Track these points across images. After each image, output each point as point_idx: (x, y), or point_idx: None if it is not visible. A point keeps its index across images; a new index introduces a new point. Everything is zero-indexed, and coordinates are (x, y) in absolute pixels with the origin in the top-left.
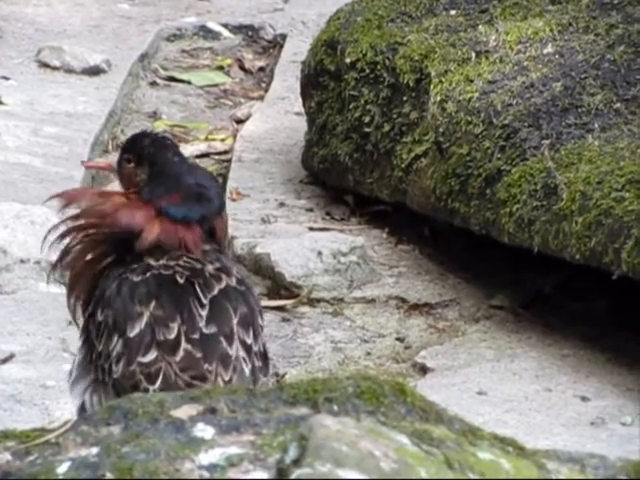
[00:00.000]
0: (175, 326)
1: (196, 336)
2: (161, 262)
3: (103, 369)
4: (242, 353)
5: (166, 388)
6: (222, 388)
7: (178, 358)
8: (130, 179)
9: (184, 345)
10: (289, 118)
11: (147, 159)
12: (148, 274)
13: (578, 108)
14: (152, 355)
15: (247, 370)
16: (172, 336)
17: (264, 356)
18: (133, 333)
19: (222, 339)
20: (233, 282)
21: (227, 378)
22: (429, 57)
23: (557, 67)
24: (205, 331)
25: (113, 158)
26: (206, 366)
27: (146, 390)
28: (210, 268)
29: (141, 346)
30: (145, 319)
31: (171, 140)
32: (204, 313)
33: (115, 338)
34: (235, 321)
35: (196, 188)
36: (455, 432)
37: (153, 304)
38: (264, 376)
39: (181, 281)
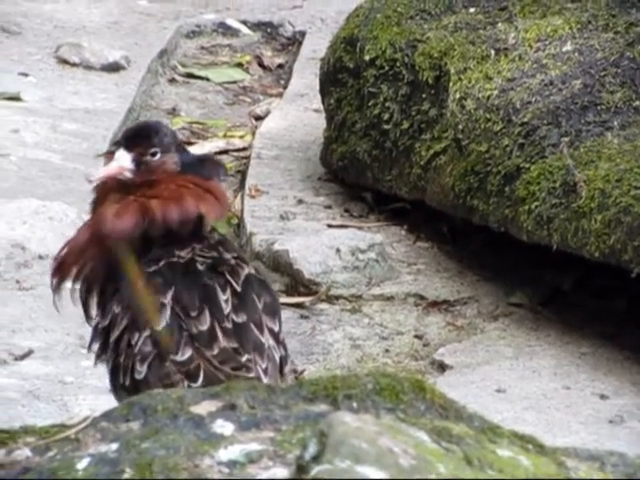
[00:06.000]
0: (206, 318)
1: (229, 325)
2: (178, 253)
3: (121, 366)
4: (272, 342)
5: (208, 384)
6: (242, 384)
7: (215, 352)
8: (161, 169)
9: (219, 337)
10: (308, 115)
11: (173, 145)
12: (162, 263)
13: (597, 106)
14: (188, 352)
15: (277, 359)
16: (204, 328)
17: (284, 346)
18: (160, 326)
19: (253, 327)
20: (252, 270)
21: (264, 366)
22: (448, 54)
23: (576, 65)
24: (237, 320)
25: (115, 162)
26: (246, 356)
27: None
28: (228, 256)
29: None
30: (169, 310)
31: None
32: (230, 301)
33: (137, 335)
34: (261, 308)
35: (208, 157)
36: (474, 429)
37: (171, 294)
38: (286, 365)
39: (201, 268)
